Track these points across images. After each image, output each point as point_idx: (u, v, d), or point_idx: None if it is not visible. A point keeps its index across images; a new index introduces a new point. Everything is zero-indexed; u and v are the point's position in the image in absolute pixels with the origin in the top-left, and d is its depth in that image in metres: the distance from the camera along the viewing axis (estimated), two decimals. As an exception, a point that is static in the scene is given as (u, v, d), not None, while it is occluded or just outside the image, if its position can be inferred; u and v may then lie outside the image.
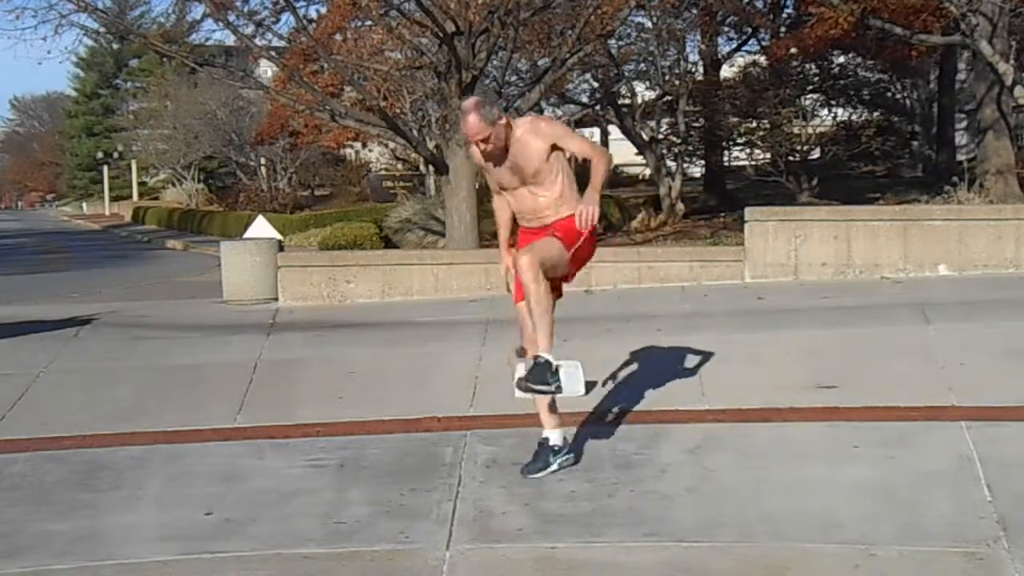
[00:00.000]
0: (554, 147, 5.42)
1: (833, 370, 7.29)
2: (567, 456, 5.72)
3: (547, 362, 5.35)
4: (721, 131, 25.28)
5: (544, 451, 5.67)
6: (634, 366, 7.45)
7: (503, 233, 5.84)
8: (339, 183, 38.64)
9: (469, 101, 5.45)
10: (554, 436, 5.68)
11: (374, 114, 16.44)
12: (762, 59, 25.74)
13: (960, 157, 25.38)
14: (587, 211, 5.31)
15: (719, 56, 26.38)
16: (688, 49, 24.84)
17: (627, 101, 25.13)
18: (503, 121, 5.39)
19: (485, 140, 5.38)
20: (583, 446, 6.05)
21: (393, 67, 19.23)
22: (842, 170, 25.11)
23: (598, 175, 5.40)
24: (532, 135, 5.41)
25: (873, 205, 16.08)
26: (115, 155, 60.00)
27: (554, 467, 5.64)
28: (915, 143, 28.06)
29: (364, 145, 36.85)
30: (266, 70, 32.14)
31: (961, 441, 5.83)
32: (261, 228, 13.10)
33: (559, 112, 31.71)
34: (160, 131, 45.94)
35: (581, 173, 5.47)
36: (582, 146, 5.53)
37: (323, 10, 21.22)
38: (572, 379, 6.99)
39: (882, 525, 4.83)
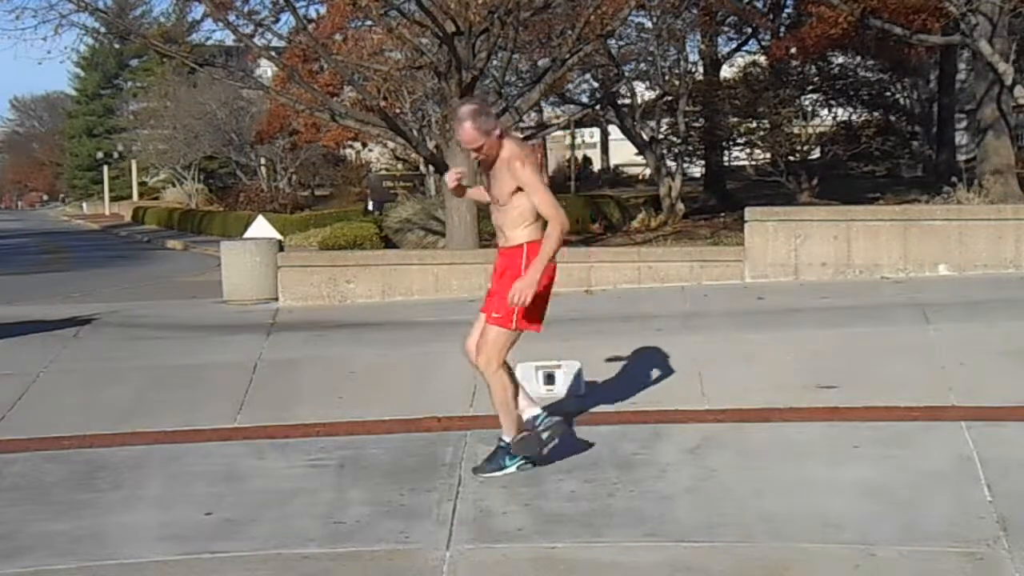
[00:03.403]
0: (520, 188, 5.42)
1: (833, 370, 7.29)
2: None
3: (507, 446, 5.62)
4: (721, 131, 25.29)
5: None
6: (634, 366, 7.45)
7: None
8: (339, 183, 38.65)
9: (466, 108, 5.42)
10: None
11: (374, 114, 16.45)
12: (762, 59, 25.76)
13: (960, 157, 25.38)
14: (519, 294, 5.36)
15: (719, 56, 26.39)
16: (688, 49, 24.89)
17: (627, 101, 25.16)
18: (497, 133, 5.39)
19: (479, 149, 5.41)
20: (583, 446, 6.05)
21: (393, 67, 19.24)
22: (842, 170, 25.10)
23: (548, 244, 5.39)
24: (507, 169, 5.40)
25: (873, 205, 16.08)
26: (115, 155, 60.03)
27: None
28: (915, 143, 28.05)
29: (364, 145, 36.87)
30: (266, 70, 32.12)
31: (961, 441, 5.83)
32: (261, 228, 13.10)
33: (559, 112, 31.76)
34: (160, 131, 45.95)
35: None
36: (542, 204, 5.40)
37: (323, 10, 21.23)
38: (571, 378, 7.04)
39: (882, 525, 4.83)
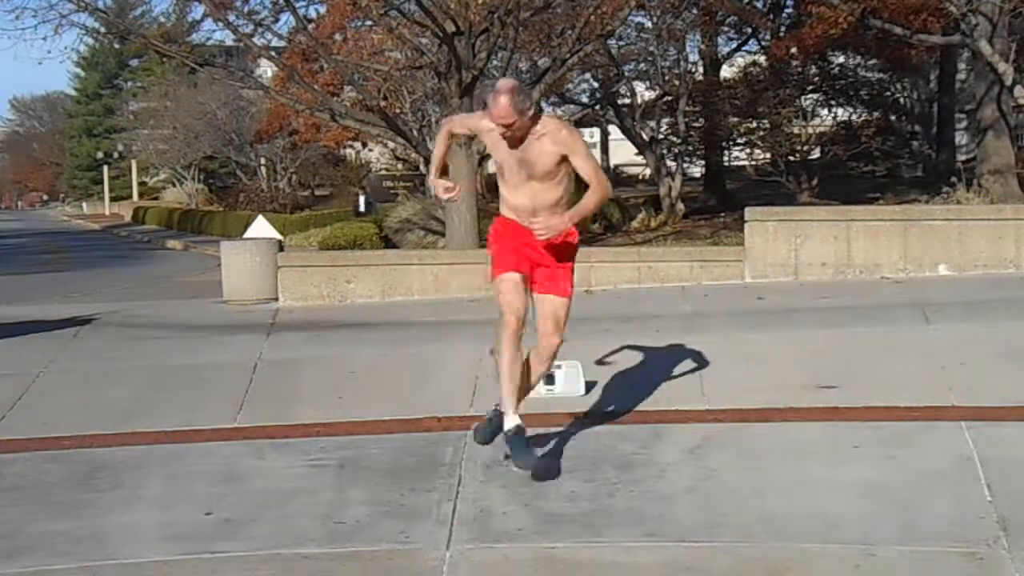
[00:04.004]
0: (565, 158, 5.45)
1: (833, 370, 7.29)
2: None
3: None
4: (721, 131, 25.26)
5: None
6: (634, 366, 7.45)
7: (437, 166, 5.93)
8: (339, 183, 38.65)
9: (506, 83, 5.43)
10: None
11: (374, 114, 16.47)
12: (762, 59, 25.73)
13: (960, 157, 25.36)
14: (554, 227, 5.42)
15: (719, 56, 26.38)
16: (688, 49, 24.87)
17: (627, 101, 25.14)
18: (531, 113, 5.40)
19: (509, 126, 5.37)
20: (583, 446, 6.05)
21: (393, 67, 19.25)
22: (842, 170, 25.08)
23: (590, 202, 5.53)
24: (550, 140, 5.44)
25: (873, 205, 16.09)
26: (115, 155, 60.06)
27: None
28: (915, 143, 28.02)
29: (364, 145, 36.88)
30: (266, 70, 32.13)
31: (961, 441, 5.83)
32: (261, 228, 13.11)
33: (559, 112, 31.74)
34: (160, 131, 45.98)
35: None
36: (589, 169, 5.52)
37: (323, 10, 21.25)
38: (571, 378, 7.04)
39: (882, 525, 4.83)
